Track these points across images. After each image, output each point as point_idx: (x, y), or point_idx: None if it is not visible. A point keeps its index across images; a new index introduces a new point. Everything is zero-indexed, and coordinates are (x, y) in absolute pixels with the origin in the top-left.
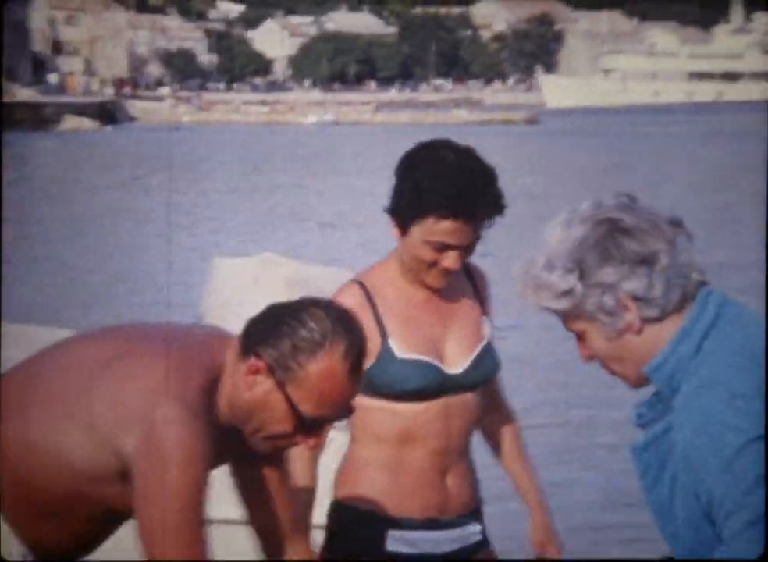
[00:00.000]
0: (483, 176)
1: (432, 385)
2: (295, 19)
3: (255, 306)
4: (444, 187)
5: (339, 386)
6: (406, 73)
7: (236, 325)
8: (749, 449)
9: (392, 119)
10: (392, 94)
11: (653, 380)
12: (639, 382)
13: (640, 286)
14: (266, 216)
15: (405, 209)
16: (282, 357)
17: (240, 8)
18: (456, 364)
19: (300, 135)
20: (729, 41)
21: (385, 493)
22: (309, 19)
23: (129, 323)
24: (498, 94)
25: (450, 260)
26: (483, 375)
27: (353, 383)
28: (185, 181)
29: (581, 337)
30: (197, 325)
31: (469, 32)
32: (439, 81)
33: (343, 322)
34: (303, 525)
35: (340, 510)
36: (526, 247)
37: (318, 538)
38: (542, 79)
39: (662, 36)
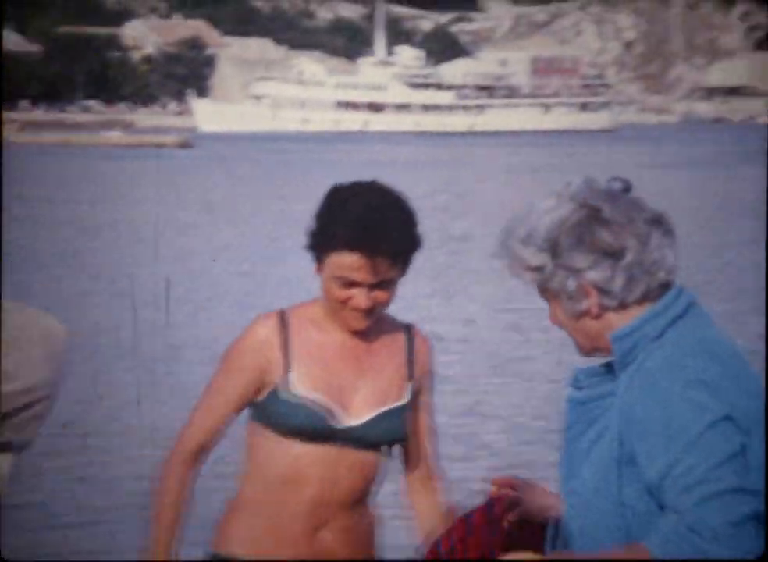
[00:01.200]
0: (390, 212)
1: (315, 429)
2: None
3: None
4: (345, 222)
5: None
6: (53, 93)
7: None
8: (718, 427)
9: (37, 140)
10: (39, 113)
11: (614, 348)
12: (590, 353)
13: (602, 277)
14: None
15: (315, 245)
16: None
17: None
18: (357, 415)
19: None
20: (373, 73)
21: (257, 539)
22: None
23: None
24: (151, 117)
25: (357, 298)
26: (384, 434)
27: None
28: None
29: (550, 304)
30: None
31: (118, 53)
32: (88, 102)
33: None
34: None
35: (213, 554)
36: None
37: None
38: (195, 103)
39: (309, 65)
